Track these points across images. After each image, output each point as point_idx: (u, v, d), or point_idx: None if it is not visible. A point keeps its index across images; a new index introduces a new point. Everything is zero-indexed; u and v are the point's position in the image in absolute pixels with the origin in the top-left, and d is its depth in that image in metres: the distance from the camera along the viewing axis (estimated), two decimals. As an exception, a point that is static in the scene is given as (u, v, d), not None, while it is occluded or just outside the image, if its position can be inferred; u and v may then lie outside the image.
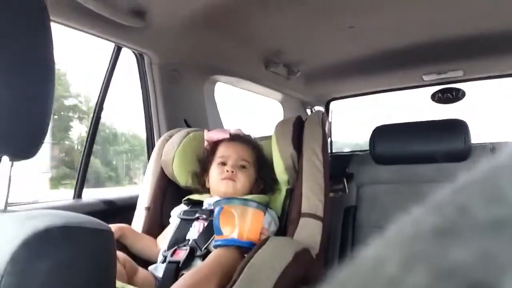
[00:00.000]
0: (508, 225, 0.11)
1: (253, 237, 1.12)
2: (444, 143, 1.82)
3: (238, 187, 1.28)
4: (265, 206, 1.23)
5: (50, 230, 0.50)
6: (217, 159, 1.34)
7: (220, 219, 1.14)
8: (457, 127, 1.84)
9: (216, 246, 1.10)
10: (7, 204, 0.64)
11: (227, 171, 1.29)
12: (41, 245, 0.49)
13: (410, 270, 0.12)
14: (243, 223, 1.13)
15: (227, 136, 1.39)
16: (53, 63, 0.63)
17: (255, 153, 1.36)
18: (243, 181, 1.29)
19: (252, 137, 1.45)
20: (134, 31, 1.41)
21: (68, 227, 0.52)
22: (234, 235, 1.10)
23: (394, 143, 1.96)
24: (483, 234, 0.11)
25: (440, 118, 1.93)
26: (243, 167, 1.31)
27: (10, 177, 0.64)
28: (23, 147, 0.62)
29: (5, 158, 0.62)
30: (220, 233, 1.12)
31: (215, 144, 1.39)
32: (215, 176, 1.31)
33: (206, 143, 1.43)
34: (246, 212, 1.15)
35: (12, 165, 0.63)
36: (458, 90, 2.34)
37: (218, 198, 1.25)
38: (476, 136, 1.89)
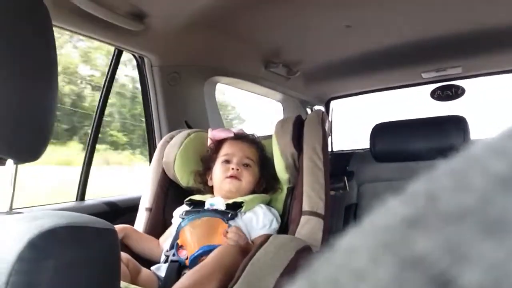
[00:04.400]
0: (472, 214, 0.11)
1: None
2: (444, 139, 1.83)
3: (243, 185, 1.29)
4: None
5: (55, 230, 0.51)
6: (221, 157, 1.35)
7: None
8: (457, 124, 1.85)
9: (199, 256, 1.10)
10: (12, 205, 0.65)
11: (232, 169, 1.30)
12: (47, 244, 0.50)
13: (378, 261, 0.12)
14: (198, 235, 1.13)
15: (231, 135, 1.41)
16: (56, 66, 0.64)
17: (259, 152, 1.38)
18: (248, 180, 1.30)
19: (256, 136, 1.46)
20: (134, 34, 1.42)
21: (73, 227, 0.53)
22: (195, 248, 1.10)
23: (394, 141, 1.97)
24: (448, 223, 0.11)
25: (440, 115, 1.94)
26: (248, 165, 1.32)
27: (15, 179, 0.65)
28: (28, 150, 0.63)
29: (10, 161, 0.63)
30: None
31: (219, 143, 1.40)
32: (219, 174, 1.32)
33: (209, 142, 1.44)
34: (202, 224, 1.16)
35: (16, 168, 0.64)
36: (457, 87, 2.34)
37: (220, 199, 1.26)
38: (476, 132, 1.89)
